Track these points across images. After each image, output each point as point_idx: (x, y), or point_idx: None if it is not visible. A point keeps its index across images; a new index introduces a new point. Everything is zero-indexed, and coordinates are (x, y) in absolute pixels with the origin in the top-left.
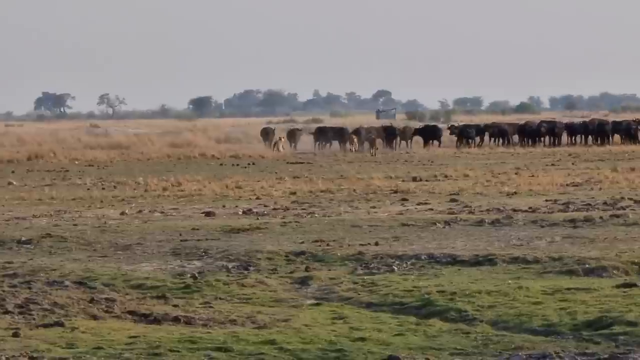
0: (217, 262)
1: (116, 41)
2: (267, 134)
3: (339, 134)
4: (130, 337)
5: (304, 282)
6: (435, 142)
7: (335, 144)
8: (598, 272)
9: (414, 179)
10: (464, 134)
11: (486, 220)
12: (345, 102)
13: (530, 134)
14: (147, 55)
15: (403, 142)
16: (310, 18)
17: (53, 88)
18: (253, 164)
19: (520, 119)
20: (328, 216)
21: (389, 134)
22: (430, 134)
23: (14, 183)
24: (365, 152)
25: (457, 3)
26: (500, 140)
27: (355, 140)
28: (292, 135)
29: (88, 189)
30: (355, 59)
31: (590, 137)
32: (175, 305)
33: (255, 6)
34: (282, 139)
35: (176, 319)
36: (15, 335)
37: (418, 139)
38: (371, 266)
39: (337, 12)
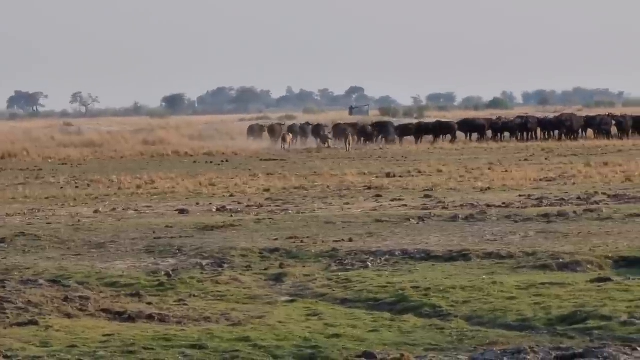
0: (191, 260)
1: (88, 39)
2: (253, 131)
3: (315, 130)
4: (105, 335)
5: (278, 278)
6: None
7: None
8: (572, 266)
9: (388, 175)
10: (406, 132)
11: (460, 216)
12: (318, 99)
13: (477, 128)
14: (120, 54)
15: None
16: (282, 15)
17: (26, 87)
18: (226, 161)
19: (494, 114)
20: (302, 213)
21: (362, 130)
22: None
23: None
24: (340, 149)
25: (429, 0)
26: (473, 136)
27: (330, 136)
28: (273, 130)
29: (61, 188)
30: (328, 55)
31: (550, 132)
32: (149, 303)
33: (227, 4)
34: (290, 135)
35: (150, 317)
36: None
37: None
38: (345, 262)
39: (310, 9)
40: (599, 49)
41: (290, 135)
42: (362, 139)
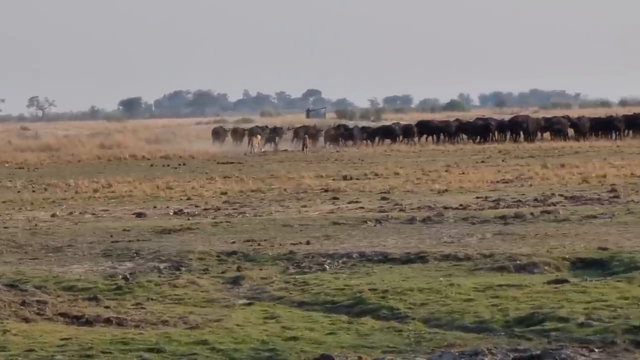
0: (148, 263)
1: (45, 43)
2: (217, 134)
3: (273, 133)
4: (62, 339)
5: (235, 282)
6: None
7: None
8: (529, 268)
9: (345, 178)
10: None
11: (417, 218)
12: (275, 102)
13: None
14: (77, 57)
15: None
16: (238, 18)
17: None
18: (184, 164)
19: (451, 116)
20: (259, 216)
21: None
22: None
23: None
24: (296, 152)
25: (386, 0)
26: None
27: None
28: (236, 134)
29: (18, 192)
30: (284, 58)
31: (506, 133)
32: (107, 307)
33: (183, 6)
34: (258, 137)
35: (108, 321)
36: None
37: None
38: (303, 265)
39: (266, 11)
40: (555, 50)
41: (259, 137)
42: (328, 142)
